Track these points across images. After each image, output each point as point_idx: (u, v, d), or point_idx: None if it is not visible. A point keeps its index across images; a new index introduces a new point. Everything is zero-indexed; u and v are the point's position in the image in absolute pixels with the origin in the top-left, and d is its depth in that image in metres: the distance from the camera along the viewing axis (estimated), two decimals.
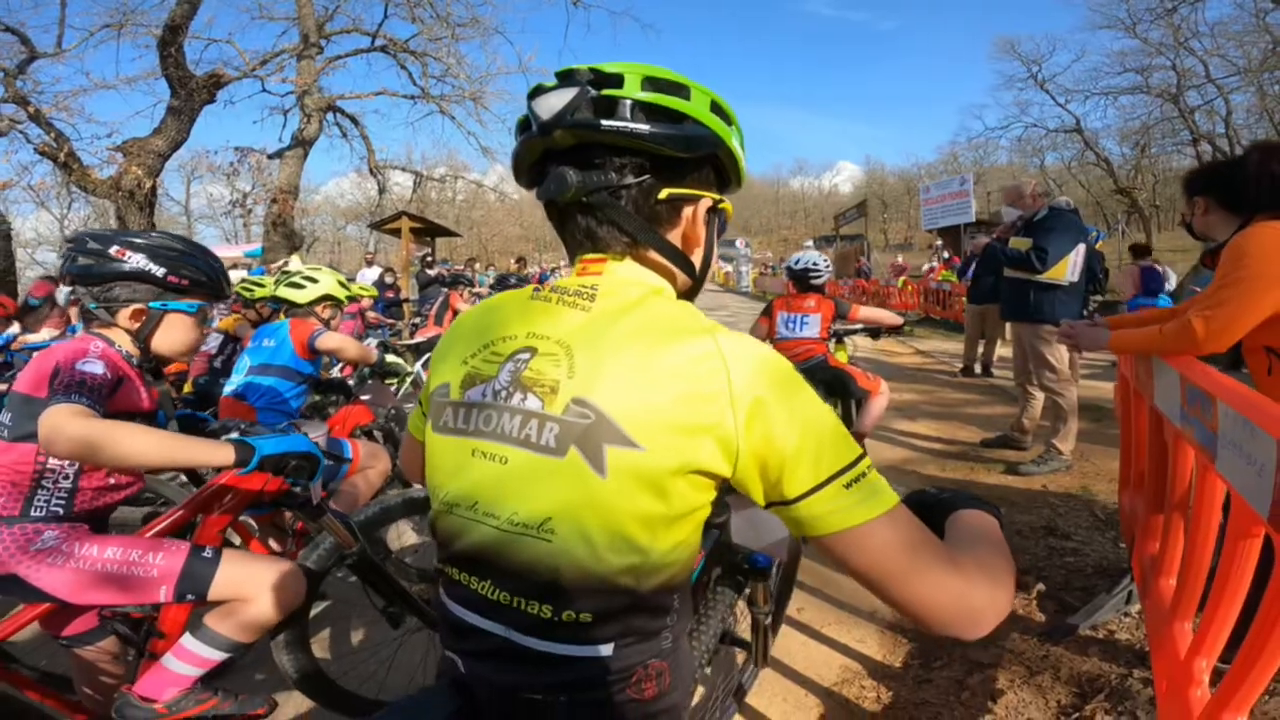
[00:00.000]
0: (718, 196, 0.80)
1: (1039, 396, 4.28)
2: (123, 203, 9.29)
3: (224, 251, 22.51)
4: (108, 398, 1.39)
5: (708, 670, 1.40)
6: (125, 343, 1.56)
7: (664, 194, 0.74)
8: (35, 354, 1.54)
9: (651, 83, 0.72)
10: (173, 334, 1.62)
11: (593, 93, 0.71)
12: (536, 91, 0.75)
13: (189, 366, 3.99)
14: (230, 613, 1.49)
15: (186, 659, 1.48)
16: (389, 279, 10.45)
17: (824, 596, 2.81)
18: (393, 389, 5.58)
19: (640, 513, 0.65)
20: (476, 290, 12.61)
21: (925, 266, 17.82)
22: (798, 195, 70.51)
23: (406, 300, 10.94)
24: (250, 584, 1.50)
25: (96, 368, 1.39)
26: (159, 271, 1.56)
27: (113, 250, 1.53)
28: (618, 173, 0.72)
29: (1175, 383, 1.57)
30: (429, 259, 12.10)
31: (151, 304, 1.57)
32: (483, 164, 26.16)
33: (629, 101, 0.70)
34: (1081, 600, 2.52)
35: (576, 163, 0.72)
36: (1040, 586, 2.69)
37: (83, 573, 1.41)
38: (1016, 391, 4.55)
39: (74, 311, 8.14)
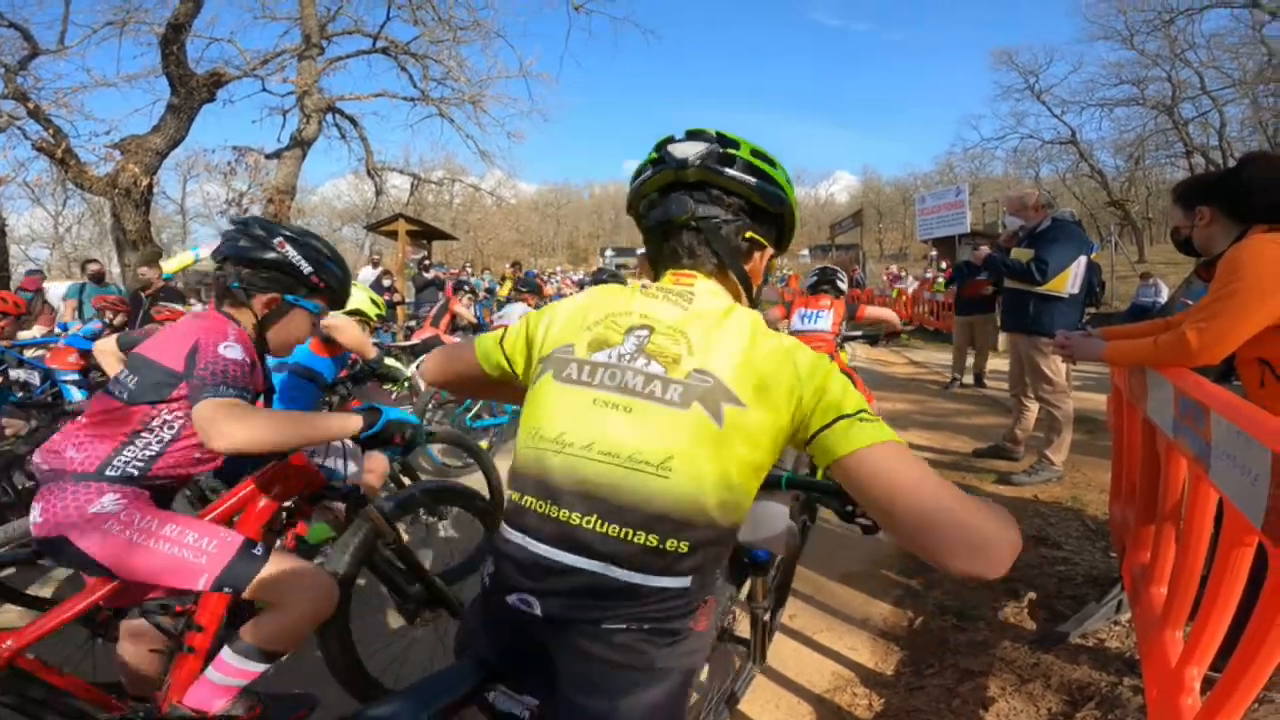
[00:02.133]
0: (774, 250, 1.07)
1: (1033, 408, 4.30)
2: (119, 200, 9.25)
3: None
4: (249, 382, 1.47)
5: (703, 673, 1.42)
6: (248, 325, 1.63)
7: (748, 234, 0.99)
8: (181, 321, 1.62)
9: (755, 152, 0.98)
10: (290, 328, 1.71)
11: (719, 149, 0.96)
12: (669, 140, 1.01)
13: None
14: (264, 624, 1.50)
15: (228, 672, 1.50)
16: (386, 281, 10.42)
17: (816, 604, 2.82)
18: (390, 392, 5.53)
19: (739, 457, 0.84)
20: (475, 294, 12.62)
21: (926, 275, 17.90)
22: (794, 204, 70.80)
23: (402, 303, 10.91)
24: (287, 590, 1.50)
25: (236, 352, 1.47)
26: (306, 269, 1.68)
27: (275, 240, 1.65)
28: (724, 209, 0.97)
29: (1169, 394, 1.59)
30: (425, 262, 12.08)
31: (286, 296, 1.67)
32: (480, 167, 26.16)
33: (743, 160, 0.96)
34: (1072, 609, 2.53)
35: (695, 196, 0.96)
36: (1031, 595, 2.70)
37: (134, 545, 1.42)
38: (1011, 402, 4.57)
39: (68, 307, 8.04)
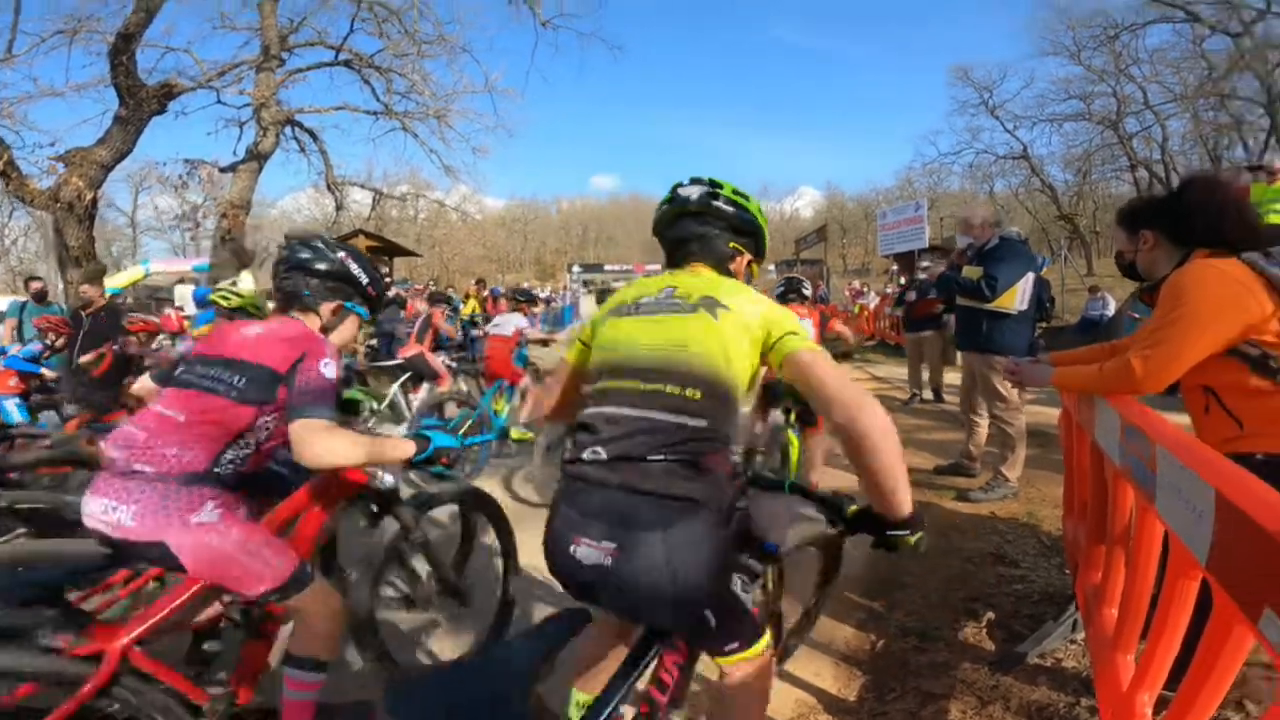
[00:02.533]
0: (751, 256, 1.58)
1: (983, 423, 4.39)
2: (61, 215, 8.86)
3: (172, 265, 21.67)
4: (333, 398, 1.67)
5: None
6: (314, 328, 1.83)
7: (732, 244, 1.52)
8: (270, 326, 1.78)
9: (734, 191, 1.52)
10: (346, 331, 1.96)
11: (710, 189, 1.48)
12: (678, 185, 1.54)
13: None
14: (303, 639, 1.71)
15: (298, 687, 1.70)
16: None
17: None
18: (362, 418, 5.06)
19: (729, 338, 1.29)
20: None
21: (887, 290, 18.25)
22: None
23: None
24: (313, 606, 1.70)
25: (332, 371, 1.67)
26: (364, 279, 1.95)
27: (339, 255, 1.91)
28: (715, 228, 1.49)
29: (1116, 422, 1.59)
30: (386, 279, 11.83)
31: (346, 303, 1.93)
32: (445, 182, 25.97)
33: (725, 196, 1.49)
34: (1030, 628, 2.55)
35: (696, 220, 1.49)
36: (990, 615, 2.72)
37: (224, 555, 1.57)
38: (963, 418, 4.65)
39: (8, 327, 7.63)
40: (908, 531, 1.26)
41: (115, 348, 5.49)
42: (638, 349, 1.34)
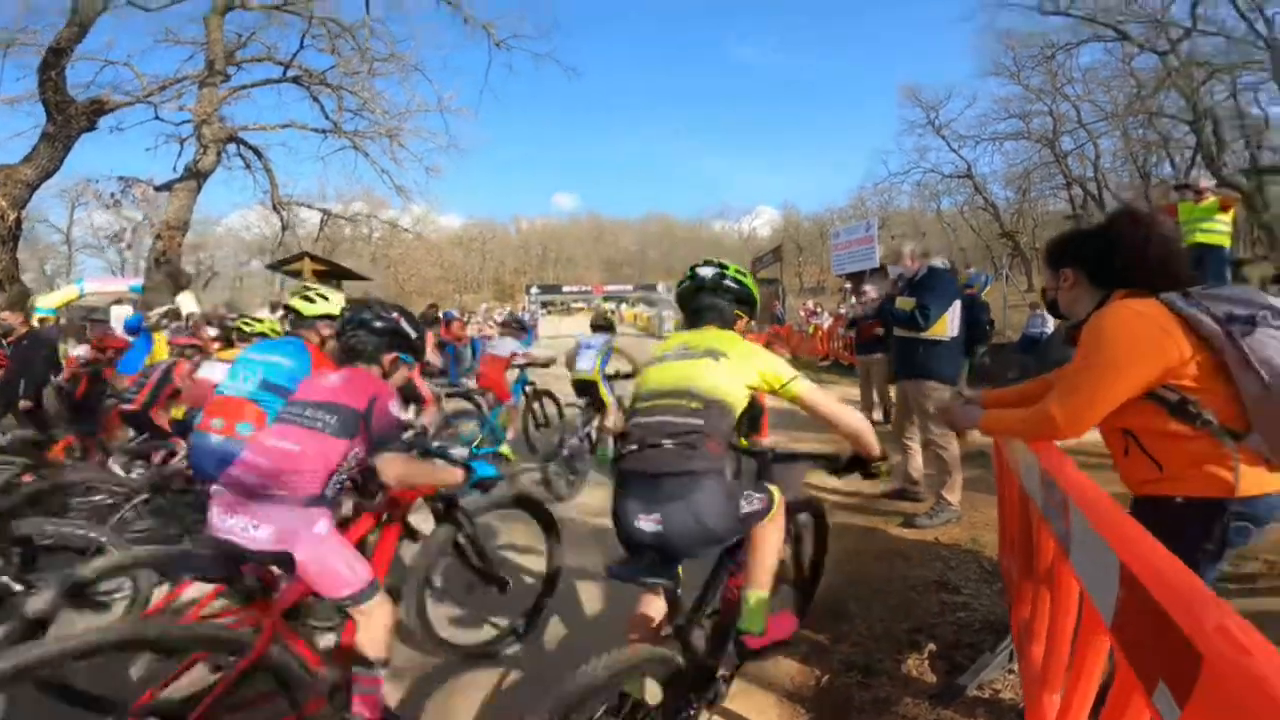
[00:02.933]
0: (748, 318, 2.20)
1: (916, 448, 4.49)
2: None
3: (108, 285, 20.67)
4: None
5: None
6: (378, 375, 2.30)
7: (736, 311, 2.14)
8: (346, 375, 2.22)
9: (738, 270, 2.16)
10: (400, 376, 2.41)
11: (720, 270, 2.12)
12: (696, 266, 2.19)
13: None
14: (365, 643, 2.03)
15: (367, 684, 2.05)
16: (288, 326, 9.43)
17: None
18: None
19: (723, 376, 1.89)
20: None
21: (840, 310, 18.59)
22: (719, 238, 72.49)
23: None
24: (380, 611, 2.05)
25: (397, 409, 2.17)
26: (412, 334, 2.42)
27: (393, 316, 2.38)
28: (724, 299, 2.11)
29: (1036, 470, 1.60)
30: None
31: (400, 354, 2.39)
32: (400, 201, 25.55)
33: (731, 276, 2.13)
34: (970, 658, 2.56)
35: (710, 293, 2.12)
36: (931, 646, 2.72)
37: (329, 563, 1.96)
38: (896, 444, 4.69)
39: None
40: (881, 461, 2.18)
41: (87, 370, 5.58)
42: (663, 382, 1.97)
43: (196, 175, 11.75)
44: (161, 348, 7.67)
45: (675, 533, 1.75)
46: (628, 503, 1.84)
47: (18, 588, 2.72)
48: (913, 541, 3.81)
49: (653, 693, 1.71)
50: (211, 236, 46.42)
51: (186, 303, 18.00)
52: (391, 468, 2.08)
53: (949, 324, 4.22)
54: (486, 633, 2.96)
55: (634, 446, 1.86)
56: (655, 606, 2.06)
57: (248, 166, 13.89)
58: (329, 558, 1.95)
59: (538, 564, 3.17)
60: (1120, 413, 1.51)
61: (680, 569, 1.90)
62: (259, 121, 13.11)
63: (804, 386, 1.94)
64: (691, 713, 1.93)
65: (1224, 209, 6.54)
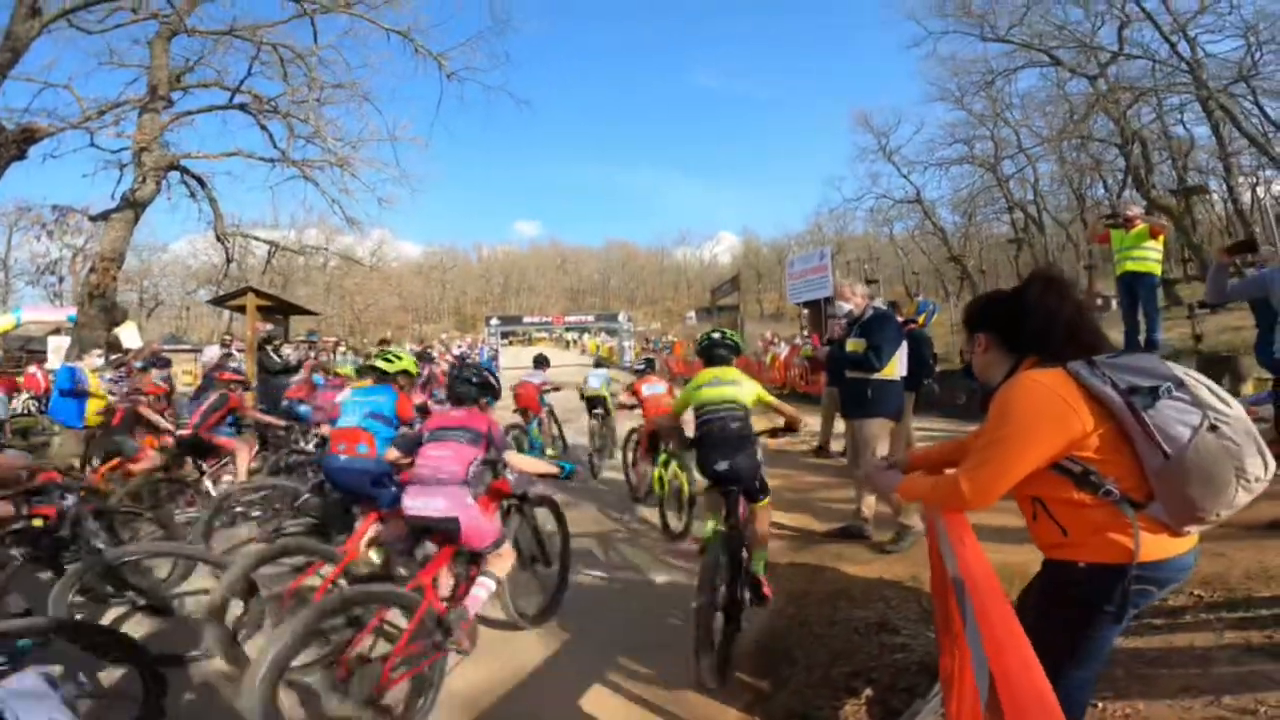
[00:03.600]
0: (738, 358, 4.06)
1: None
2: None
3: (46, 314, 19.69)
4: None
5: None
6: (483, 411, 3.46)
7: (731, 355, 3.84)
8: (464, 412, 3.40)
9: (733, 334, 3.94)
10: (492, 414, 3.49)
11: (724, 335, 3.87)
12: (712, 333, 3.92)
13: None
14: (493, 565, 3.18)
15: (482, 586, 3.13)
16: (232, 363, 8.69)
17: (668, 714, 2.78)
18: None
19: (742, 394, 3.53)
20: (337, 372, 11.52)
21: (795, 340, 18.83)
22: (680, 266, 73.32)
23: (249, 387, 9.53)
24: (506, 553, 3.29)
25: (502, 431, 3.43)
26: (497, 385, 3.64)
27: (484, 372, 3.65)
28: (726, 349, 3.78)
29: (946, 540, 1.59)
30: (275, 340, 10.83)
31: (488, 399, 3.56)
32: (372, 224, 24.79)
33: (730, 339, 3.87)
34: (905, 702, 2.51)
35: (720, 347, 3.77)
36: (869, 692, 2.66)
37: (479, 523, 3.11)
38: (853, 481, 4.71)
39: None
40: (803, 425, 3.86)
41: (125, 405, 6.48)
42: (716, 398, 3.49)
43: (134, 205, 11.25)
44: (96, 404, 7.36)
45: (737, 470, 3.31)
46: (710, 454, 3.36)
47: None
48: (857, 578, 3.76)
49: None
50: (156, 264, 44.91)
51: (129, 335, 17.23)
52: (516, 461, 3.42)
53: (898, 364, 4.37)
54: (538, 599, 3.86)
55: (715, 429, 3.42)
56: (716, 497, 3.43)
57: (192, 195, 13.39)
58: (478, 519, 3.12)
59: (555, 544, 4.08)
60: (1028, 481, 1.53)
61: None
62: (203, 149, 12.69)
63: (770, 395, 3.69)
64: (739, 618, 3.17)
65: (1154, 236, 6.64)
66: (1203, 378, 1.47)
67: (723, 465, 3.27)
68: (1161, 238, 6.71)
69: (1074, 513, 1.50)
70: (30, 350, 17.50)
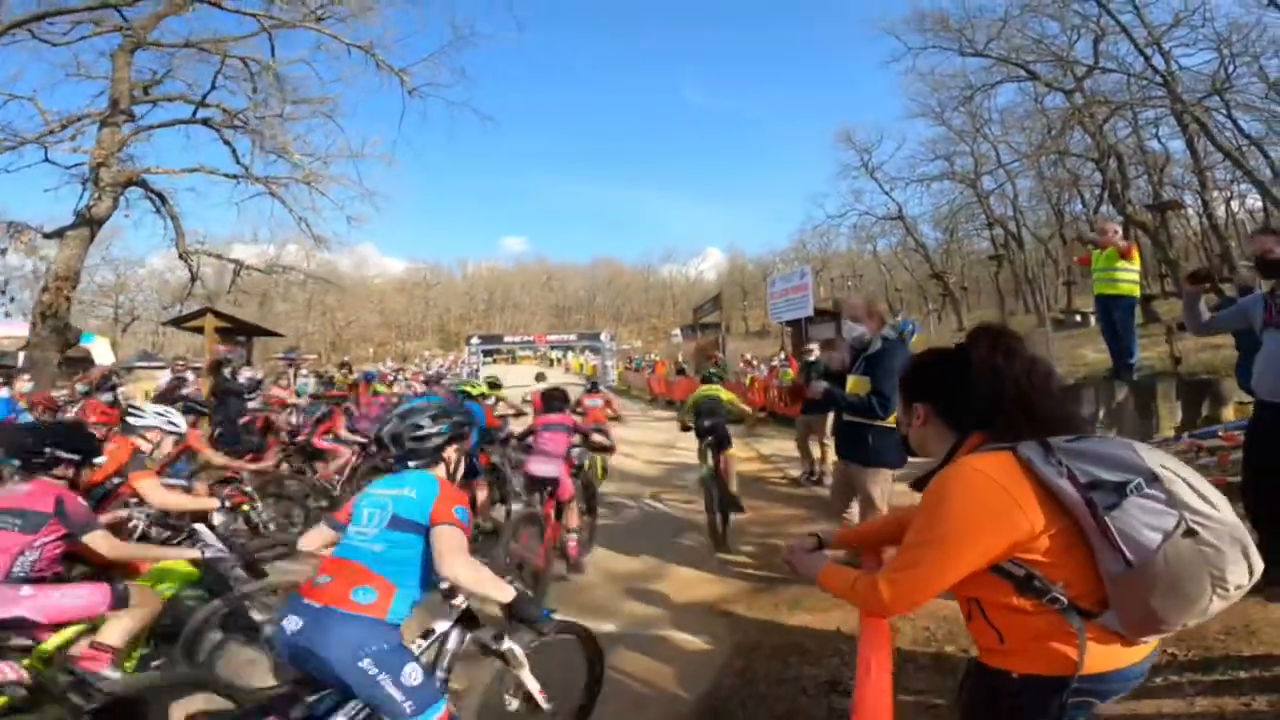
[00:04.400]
0: (724, 380, 9.16)
1: (854, 519, 4.04)
2: None
3: (14, 329, 19.06)
4: None
5: None
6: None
7: (722, 377, 8.72)
8: (558, 416, 5.22)
9: (722, 367, 11.87)
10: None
11: (719, 366, 10.36)
12: (710, 368, 8.19)
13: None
14: (571, 517, 4.88)
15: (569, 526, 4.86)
16: (186, 389, 8.16)
17: None
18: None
19: (721, 393, 6.32)
20: (293, 402, 11.12)
21: (774, 363, 18.63)
22: (666, 283, 73.27)
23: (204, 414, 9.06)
24: (575, 503, 5.12)
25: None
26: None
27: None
28: (718, 373, 7.68)
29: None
30: (229, 362, 10.29)
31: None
32: (335, 244, 24.21)
33: (719, 370, 8.74)
34: None
35: (714, 373, 7.29)
36: None
37: (566, 481, 4.89)
38: (837, 519, 4.27)
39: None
40: (751, 419, 7.58)
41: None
42: (707, 393, 6.16)
43: (89, 222, 10.86)
44: None
45: (715, 426, 5.72)
46: (700, 419, 5.84)
47: None
48: (814, 631, 3.46)
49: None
50: (133, 278, 44.16)
51: (100, 351, 16.74)
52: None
53: None
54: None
55: (705, 407, 5.90)
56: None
57: (157, 211, 13.02)
58: (567, 478, 4.76)
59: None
60: (963, 582, 1.27)
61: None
62: (161, 165, 12.29)
63: (737, 400, 6.42)
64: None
65: (1124, 256, 6.37)
66: (1184, 470, 1.19)
67: (707, 423, 5.80)
68: (1135, 257, 6.47)
69: (1012, 619, 1.26)
70: (1, 365, 17.02)
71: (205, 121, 12.71)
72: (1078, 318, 19.96)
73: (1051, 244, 30.69)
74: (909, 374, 1.53)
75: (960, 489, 1.25)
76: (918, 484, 1.40)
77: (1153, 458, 1.19)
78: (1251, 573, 1.15)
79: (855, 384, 3.66)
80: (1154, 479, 1.16)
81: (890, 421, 3.53)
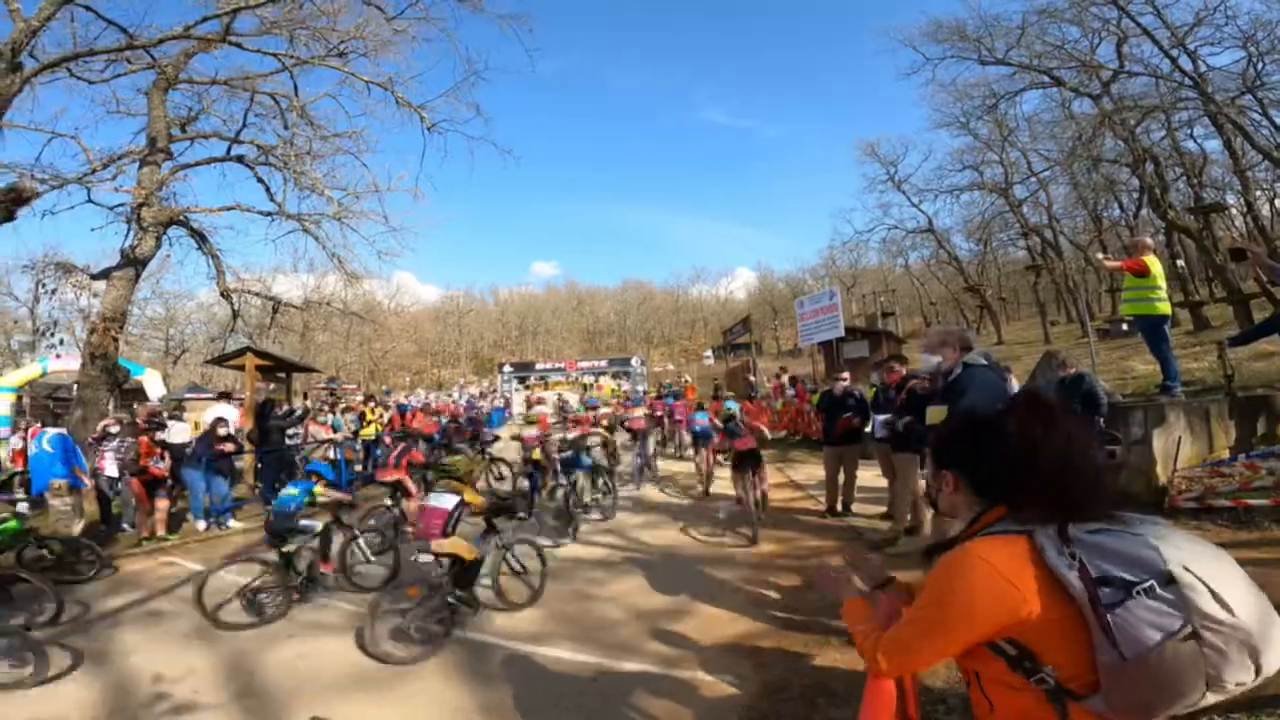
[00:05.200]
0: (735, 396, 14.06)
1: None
2: None
3: (72, 364, 19.85)
4: None
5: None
6: None
7: (734, 399, 13.02)
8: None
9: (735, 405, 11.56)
10: None
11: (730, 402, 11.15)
12: (726, 400, 11.64)
13: None
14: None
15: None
16: (222, 430, 8.44)
17: None
18: None
19: (734, 409, 8.95)
20: (333, 438, 11.43)
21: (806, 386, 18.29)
22: (697, 304, 73.16)
23: (238, 450, 9.38)
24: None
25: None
26: None
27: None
28: (733, 400, 11.95)
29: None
30: (273, 404, 10.50)
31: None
32: (376, 273, 24.62)
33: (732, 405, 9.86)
34: None
35: (730, 400, 11.46)
36: None
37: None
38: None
39: None
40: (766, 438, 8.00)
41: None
42: (730, 411, 8.26)
43: (134, 262, 11.25)
44: None
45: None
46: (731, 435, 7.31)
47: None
48: (841, 673, 3.29)
49: None
50: (182, 312, 45.84)
51: (153, 384, 17.36)
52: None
53: None
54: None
55: (730, 427, 7.41)
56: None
57: (199, 249, 13.47)
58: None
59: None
60: (962, 654, 1.30)
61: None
62: (201, 203, 12.67)
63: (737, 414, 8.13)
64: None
65: (1137, 274, 5.94)
66: (1213, 569, 1.14)
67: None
68: (1152, 272, 5.96)
69: (1003, 693, 1.27)
70: (58, 399, 17.77)
71: (239, 159, 13.14)
72: (1124, 327, 19.15)
73: (1092, 250, 29.70)
74: (941, 439, 1.51)
75: (965, 581, 1.23)
76: (929, 552, 1.40)
77: (1176, 557, 1.14)
78: (1258, 672, 1.12)
79: (935, 414, 3.50)
80: (1169, 582, 1.13)
81: None
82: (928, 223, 32.76)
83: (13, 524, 5.47)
